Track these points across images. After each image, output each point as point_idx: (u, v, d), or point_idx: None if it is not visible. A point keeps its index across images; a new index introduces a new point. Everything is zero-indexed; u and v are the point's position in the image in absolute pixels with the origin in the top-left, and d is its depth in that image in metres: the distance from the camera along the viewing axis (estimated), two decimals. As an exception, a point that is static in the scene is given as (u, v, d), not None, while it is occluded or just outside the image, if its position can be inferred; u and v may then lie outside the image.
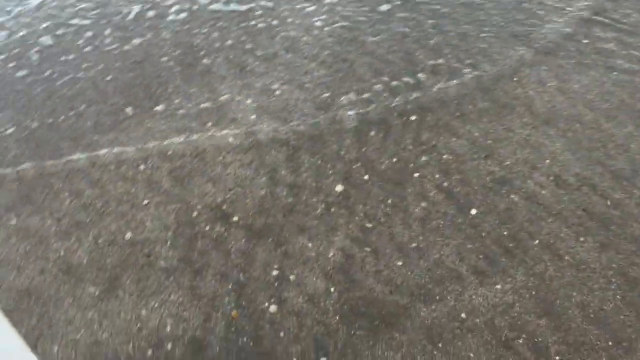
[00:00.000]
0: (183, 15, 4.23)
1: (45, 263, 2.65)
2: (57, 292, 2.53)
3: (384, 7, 3.89)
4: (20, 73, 3.91)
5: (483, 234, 2.43)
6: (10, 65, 4.01)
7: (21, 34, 4.38)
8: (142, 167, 3.01)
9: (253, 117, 3.14)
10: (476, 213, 2.53)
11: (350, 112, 3.07)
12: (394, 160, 2.83)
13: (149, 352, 2.25)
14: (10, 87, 3.79)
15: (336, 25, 3.78)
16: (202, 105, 3.31)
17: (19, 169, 3.13)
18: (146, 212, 2.80)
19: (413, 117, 3.03)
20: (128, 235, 2.72)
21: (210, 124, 3.15)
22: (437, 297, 2.25)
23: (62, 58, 3.97)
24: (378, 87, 3.20)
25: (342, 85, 3.25)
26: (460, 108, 3.04)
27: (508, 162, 2.71)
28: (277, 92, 3.26)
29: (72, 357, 2.29)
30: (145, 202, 2.85)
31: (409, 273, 2.35)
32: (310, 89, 3.26)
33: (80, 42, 4.12)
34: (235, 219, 2.67)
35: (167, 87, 3.52)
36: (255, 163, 2.89)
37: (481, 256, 2.35)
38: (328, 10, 3.94)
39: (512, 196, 2.55)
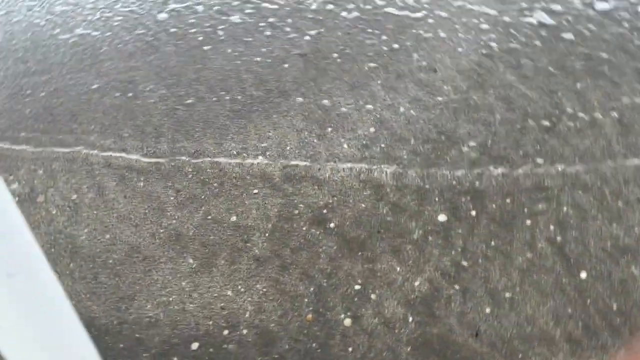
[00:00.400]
0: (355, 14, 4.28)
1: (158, 227, 2.91)
2: (161, 255, 2.76)
3: (567, 36, 3.63)
4: (205, 47, 4.26)
5: (588, 301, 2.21)
6: (199, 38, 4.38)
7: (215, 8, 4.76)
8: (260, 157, 3.17)
9: (372, 130, 3.16)
10: (586, 277, 2.30)
11: (471, 143, 2.96)
12: (508, 201, 2.67)
13: (225, 332, 2.38)
14: (197, 61, 4.14)
15: (504, 46, 3.60)
16: (329, 109, 3.39)
17: (156, 145, 3.46)
18: (254, 200, 2.95)
19: (539, 160, 2.84)
20: (233, 218, 2.89)
21: (330, 129, 3.23)
22: (520, 355, 2.09)
23: (244, 39, 4.26)
24: (506, 122, 3.04)
25: (471, 113, 3.14)
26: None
27: (637, 230, 2.43)
28: (402, 110, 3.24)
29: (160, 318, 2.49)
30: (255, 191, 3.00)
31: (496, 322, 2.22)
32: (436, 112, 3.20)
33: (263, 25, 4.37)
34: (332, 225, 2.71)
35: (307, 83, 3.63)
36: (364, 175, 2.91)
37: (580, 324, 2.14)
38: (502, 31, 3.77)
39: (633, 268, 2.28)
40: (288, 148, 3.18)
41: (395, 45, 3.79)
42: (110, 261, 2.80)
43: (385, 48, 3.81)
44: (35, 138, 3.63)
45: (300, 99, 3.49)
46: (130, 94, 3.84)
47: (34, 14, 5.33)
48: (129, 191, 3.15)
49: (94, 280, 2.73)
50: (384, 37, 3.89)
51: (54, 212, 3.09)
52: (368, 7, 4.25)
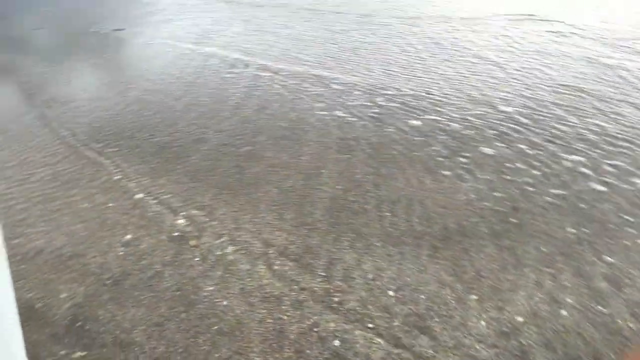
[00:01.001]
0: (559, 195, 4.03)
1: (268, 317, 2.93)
2: (257, 346, 2.76)
3: None
4: (399, 164, 4.43)
5: None
6: (403, 153, 4.59)
7: (470, 132, 4.93)
8: (390, 293, 3.03)
9: (520, 319, 2.79)
10: None
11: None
12: None
13: None
14: (381, 174, 4.34)
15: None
16: (483, 275, 3.11)
17: (306, 236, 3.57)
18: (364, 333, 2.80)
19: None
20: (337, 342, 2.77)
21: (475, 297, 2.95)
22: None
23: (458, 171, 4.31)
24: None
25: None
26: None
27: None
28: (564, 312, 2.81)
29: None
30: (371, 325, 2.85)
31: None
32: (600, 331, 2.69)
33: (507, 164, 4.37)
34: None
35: (474, 238, 3.42)
36: (486, 366, 2.56)
37: None
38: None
39: None
40: (422, 297, 2.98)
41: (597, 240, 3.34)
42: (215, 328, 2.90)
43: (582, 236, 3.39)
44: (215, 189, 4.06)
45: (458, 251, 3.29)
46: (309, 182, 4.08)
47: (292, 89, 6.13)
48: (264, 268, 3.27)
49: (192, 339, 2.85)
50: (590, 226, 3.47)
51: (197, 259, 3.36)
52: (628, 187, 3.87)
